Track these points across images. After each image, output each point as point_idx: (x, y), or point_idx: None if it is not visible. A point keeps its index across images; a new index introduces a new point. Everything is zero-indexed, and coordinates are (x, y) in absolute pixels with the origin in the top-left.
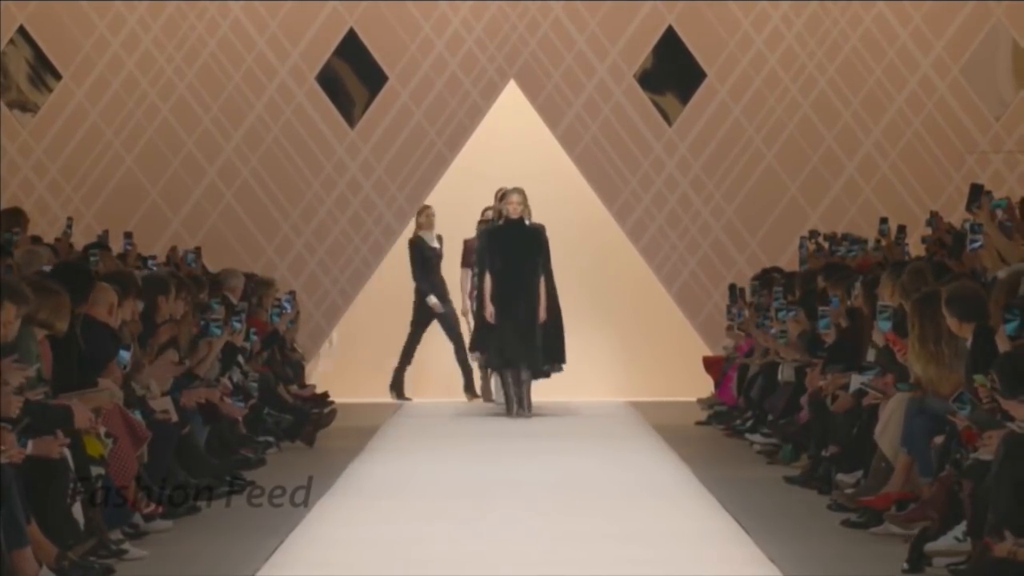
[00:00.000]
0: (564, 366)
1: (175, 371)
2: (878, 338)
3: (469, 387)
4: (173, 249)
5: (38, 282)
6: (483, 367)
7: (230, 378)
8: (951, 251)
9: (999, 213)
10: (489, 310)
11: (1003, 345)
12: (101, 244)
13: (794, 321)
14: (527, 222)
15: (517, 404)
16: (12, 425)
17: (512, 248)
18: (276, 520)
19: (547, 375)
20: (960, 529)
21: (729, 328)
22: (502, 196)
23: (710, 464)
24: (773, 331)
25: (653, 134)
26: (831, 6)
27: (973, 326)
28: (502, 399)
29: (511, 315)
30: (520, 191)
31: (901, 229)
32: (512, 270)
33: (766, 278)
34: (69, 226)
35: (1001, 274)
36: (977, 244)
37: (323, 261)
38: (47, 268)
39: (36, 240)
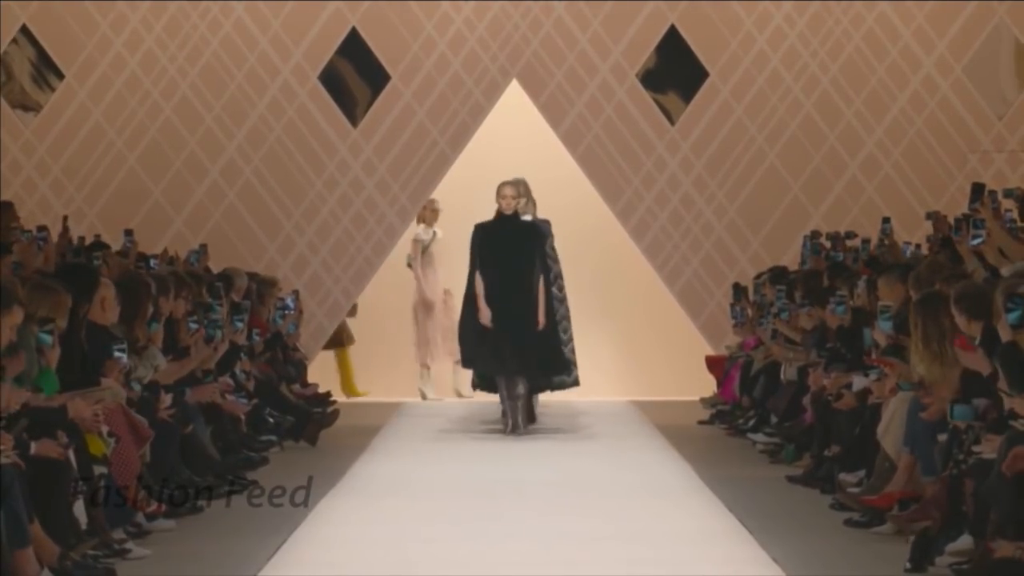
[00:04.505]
0: (571, 379)
1: (181, 372)
2: (879, 338)
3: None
4: (164, 252)
5: (38, 281)
6: (474, 386)
7: (232, 375)
8: (954, 254)
9: (1011, 203)
10: (485, 313)
11: (1005, 335)
12: (102, 245)
13: (807, 315)
14: (524, 217)
15: (512, 421)
16: (10, 427)
17: (504, 246)
18: (278, 520)
19: (548, 387)
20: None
21: (736, 327)
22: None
23: (712, 463)
24: (777, 329)
25: (656, 133)
26: (834, 6)
27: (982, 324)
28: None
29: (503, 320)
30: (514, 184)
31: (886, 220)
32: (504, 270)
33: (777, 275)
34: (66, 227)
35: (1005, 271)
36: (979, 240)
37: (326, 260)
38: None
39: (42, 229)
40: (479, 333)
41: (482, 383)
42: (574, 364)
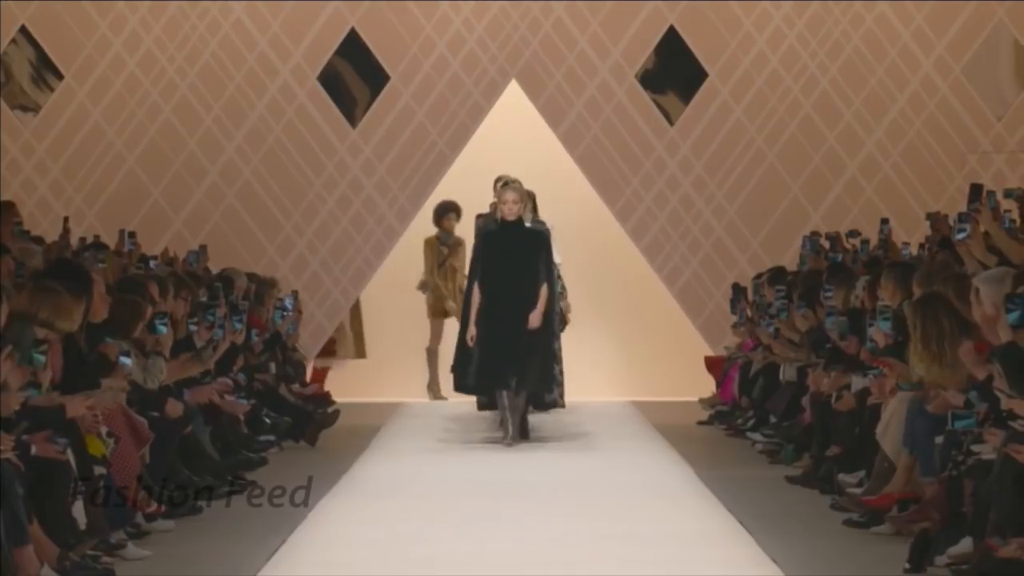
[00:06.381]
0: (552, 397)
1: (189, 370)
2: (879, 338)
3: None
4: (165, 251)
5: (37, 281)
6: (459, 389)
7: (232, 376)
8: (954, 255)
9: (1010, 203)
10: (470, 332)
11: (1005, 335)
12: (100, 246)
13: (802, 317)
14: (527, 223)
15: (513, 430)
16: (9, 427)
17: (509, 254)
18: (278, 520)
19: (545, 406)
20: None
21: (735, 327)
22: (500, 186)
23: (712, 464)
24: (771, 329)
25: (655, 134)
26: (833, 6)
27: None
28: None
29: (506, 330)
30: (517, 188)
31: (885, 221)
32: (508, 279)
33: (776, 275)
34: (67, 228)
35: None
36: (963, 235)
37: (325, 261)
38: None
39: (39, 241)
40: (478, 348)
41: (485, 400)
42: (559, 383)
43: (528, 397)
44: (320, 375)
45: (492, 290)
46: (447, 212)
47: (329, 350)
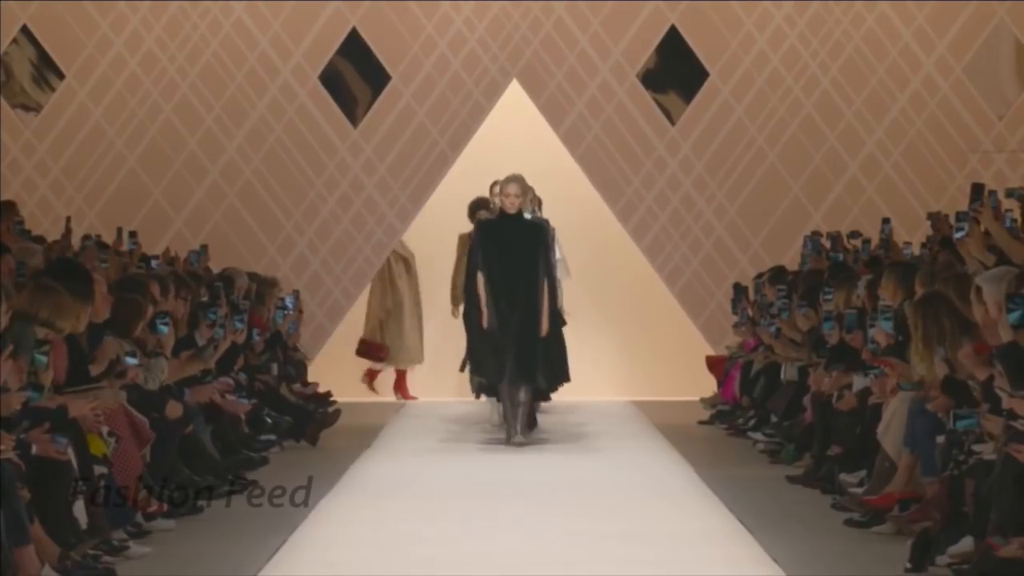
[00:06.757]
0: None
1: (191, 368)
2: (880, 338)
3: None
4: (166, 251)
5: (38, 281)
6: (476, 390)
7: (234, 376)
8: (955, 254)
9: (1011, 203)
10: (488, 316)
11: (1005, 335)
12: (102, 245)
13: (804, 317)
14: (528, 215)
15: (513, 429)
16: (10, 427)
17: (509, 246)
18: (279, 520)
19: (548, 396)
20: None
21: (736, 327)
22: (498, 187)
23: (713, 463)
24: (772, 329)
25: (656, 134)
26: (834, 6)
27: None
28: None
29: (506, 325)
30: (517, 180)
31: (886, 221)
32: (508, 272)
33: (777, 275)
34: (69, 228)
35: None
36: (961, 233)
37: (326, 261)
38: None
39: (39, 240)
40: (483, 336)
41: (487, 389)
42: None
43: (533, 393)
44: (372, 375)
45: (491, 283)
46: (480, 208)
47: (378, 356)
